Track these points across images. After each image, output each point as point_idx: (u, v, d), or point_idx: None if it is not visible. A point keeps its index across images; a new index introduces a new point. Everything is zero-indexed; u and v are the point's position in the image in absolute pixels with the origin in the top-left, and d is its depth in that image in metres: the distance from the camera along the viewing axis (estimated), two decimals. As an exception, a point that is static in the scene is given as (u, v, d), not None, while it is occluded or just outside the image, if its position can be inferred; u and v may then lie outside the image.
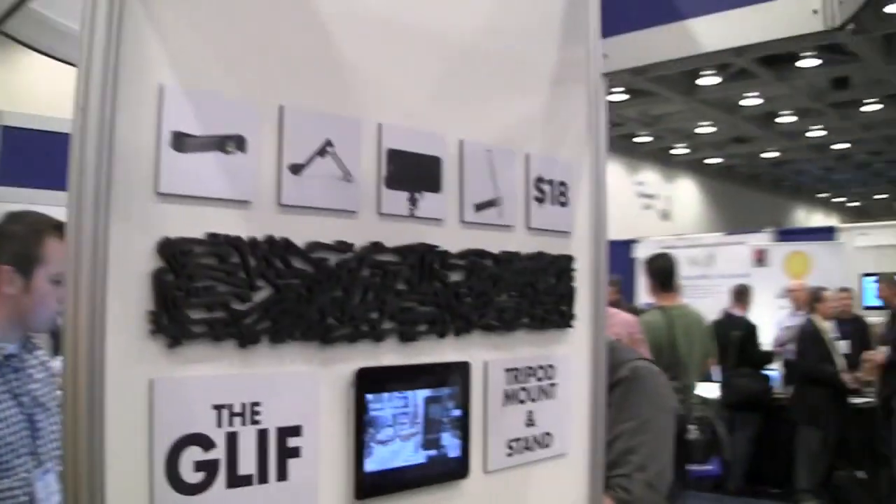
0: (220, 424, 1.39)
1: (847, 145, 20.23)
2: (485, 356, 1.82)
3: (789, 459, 7.03)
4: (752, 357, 7.41)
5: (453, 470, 1.73)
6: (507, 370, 1.87)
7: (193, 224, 1.39)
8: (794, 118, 17.33)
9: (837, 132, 18.59)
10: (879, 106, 15.92)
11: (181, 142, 1.36)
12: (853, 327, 7.45)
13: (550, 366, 1.98)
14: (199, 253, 1.38)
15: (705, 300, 8.43)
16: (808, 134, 18.85)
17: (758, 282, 8.51)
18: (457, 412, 1.73)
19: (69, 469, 1.24)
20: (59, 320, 2.24)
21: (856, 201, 30.99)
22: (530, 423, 1.92)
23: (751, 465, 7.55)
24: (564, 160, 2.05)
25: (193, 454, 1.36)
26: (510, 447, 1.86)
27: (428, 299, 1.70)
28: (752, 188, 25.42)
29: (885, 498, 6.54)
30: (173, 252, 1.35)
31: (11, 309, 2.18)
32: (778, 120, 17.61)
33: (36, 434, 2.16)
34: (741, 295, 7.89)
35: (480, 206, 1.85)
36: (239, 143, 1.40)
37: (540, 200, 1.98)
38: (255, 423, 1.42)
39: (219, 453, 1.38)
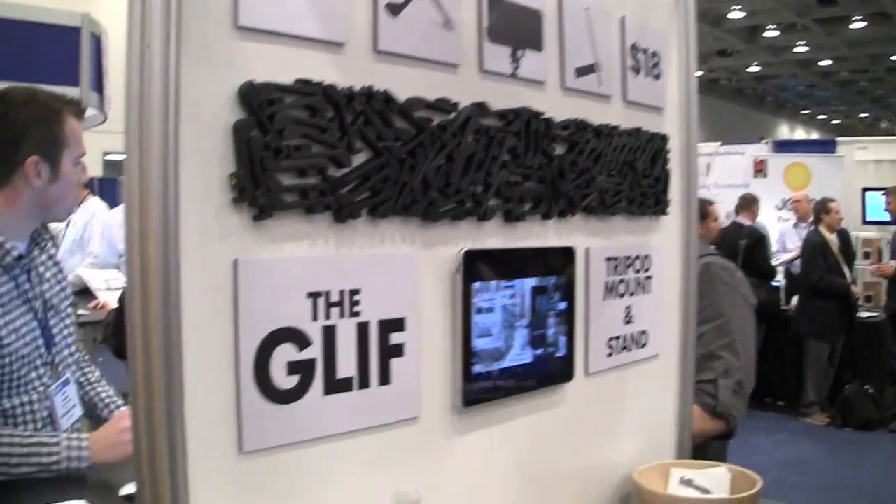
0: (315, 316, 1.11)
1: (831, 62, 19.81)
2: (586, 242, 1.56)
3: (796, 371, 6.75)
4: (760, 266, 7.00)
5: (559, 371, 1.49)
6: (608, 259, 1.61)
7: (281, 67, 1.08)
8: (778, 33, 16.88)
9: (822, 49, 18.14)
10: (865, 24, 15.47)
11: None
12: (839, 239, 7.20)
13: (646, 256, 1.73)
14: (289, 104, 1.08)
15: (704, 210, 8.06)
16: (794, 49, 18.42)
17: (757, 192, 8.15)
18: (562, 305, 1.44)
19: (139, 372, 0.95)
20: (76, 208, 1.96)
21: (838, 119, 30.49)
22: (628, 319, 1.66)
23: (758, 376, 7.26)
24: (655, 28, 1.74)
25: (286, 353, 1.09)
26: (610, 346, 1.61)
27: (533, 174, 1.43)
28: (735, 103, 24.88)
29: (891, 412, 6.36)
30: (259, 100, 1.04)
31: (34, 201, 1.81)
32: (763, 34, 17.15)
33: (51, 342, 1.83)
34: (749, 204, 7.52)
35: (581, 71, 1.55)
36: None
37: (636, 70, 1.68)
38: (354, 314, 1.16)
39: (315, 352, 1.12)
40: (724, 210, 7.64)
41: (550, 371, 1.45)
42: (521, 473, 1.43)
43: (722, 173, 9.11)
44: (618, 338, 1.64)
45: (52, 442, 1.70)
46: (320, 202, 1.12)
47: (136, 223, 0.96)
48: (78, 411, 1.93)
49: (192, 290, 0.99)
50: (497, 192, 1.36)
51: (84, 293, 4.18)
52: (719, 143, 9.69)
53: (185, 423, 0.98)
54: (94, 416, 2.02)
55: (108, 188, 6.79)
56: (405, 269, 1.23)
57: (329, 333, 1.13)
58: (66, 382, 1.88)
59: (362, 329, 1.17)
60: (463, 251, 1.28)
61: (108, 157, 9.74)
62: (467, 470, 1.33)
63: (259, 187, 1.05)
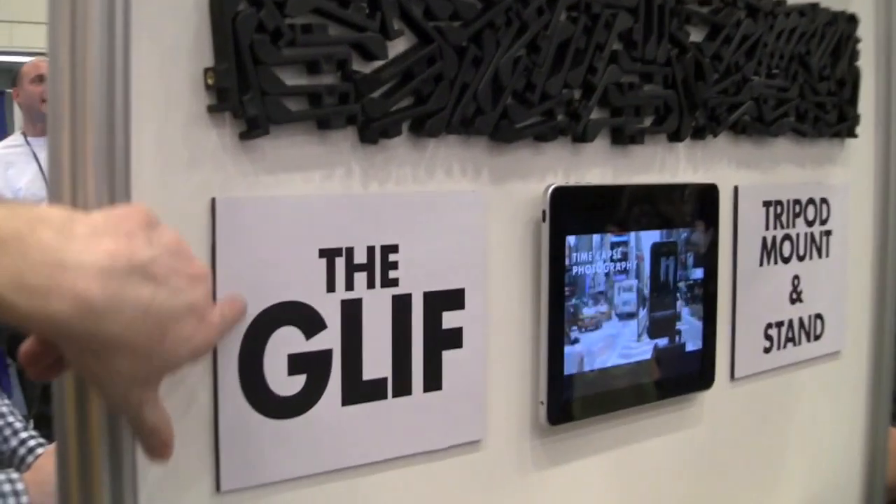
0: (332, 286, 1.11)
1: None
2: (734, 178, 1.57)
3: None
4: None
5: (692, 375, 1.49)
6: (767, 203, 1.61)
7: None
8: None
9: None
10: None
11: None
12: None
13: (824, 200, 1.73)
14: None
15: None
16: None
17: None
18: (697, 273, 1.45)
19: (66, 380, 0.93)
20: None
21: None
22: (796, 297, 1.66)
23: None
24: None
25: (288, 342, 1.08)
26: (768, 338, 1.63)
27: (656, 72, 1.43)
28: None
29: None
30: (249, -47, 1.02)
31: None
32: None
33: None
34: None
35: (728, -88, 1.52)
36: None
37: None
38: (389, 283, 1.16)
39: (331, 339, 1.11)
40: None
41: (679, 373, 1.45)
42: (632, 527, 1.41)
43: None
44: (780, 324, 1.64)
45: None
46: (340, 112, 1.10)
47: (63, 145, 0.95)
48: None
49: None
50: (602, 99, 1.35)
51: None
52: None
53: (135, 452, 0.97)
54: None
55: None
56: (466, 214, 1.22)
57: (352, 312, 1.12)
58: None
59: (401, 305, 1.16)
60: (551, 188, 1.27)
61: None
62: (553, 520, 1.32)
63: (249, 89, 1.03)
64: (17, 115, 6.50)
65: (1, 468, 1.89)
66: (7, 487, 1.71)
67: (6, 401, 2.04)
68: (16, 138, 4.73)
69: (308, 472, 1.11)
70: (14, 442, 1.95)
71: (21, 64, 4.75)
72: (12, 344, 2.97)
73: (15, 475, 1.74)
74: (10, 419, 1.98)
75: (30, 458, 1.92)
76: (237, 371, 1.05)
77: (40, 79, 4.53)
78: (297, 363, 1.09)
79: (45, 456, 1.91)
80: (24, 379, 3.55)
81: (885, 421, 1.81)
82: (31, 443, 1.95)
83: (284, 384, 1.08)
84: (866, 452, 1.80)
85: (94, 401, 0.95)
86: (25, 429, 1.98)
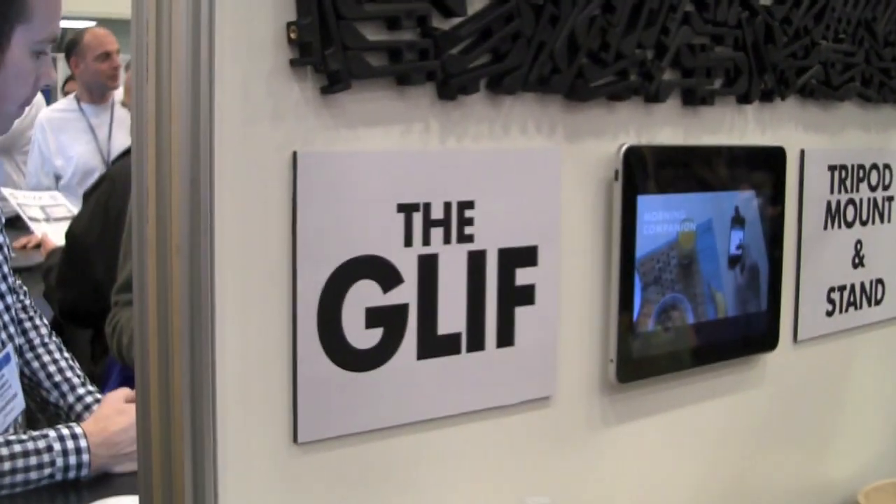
0: (409, 241, 1.11)
1: None
2: (801, 141, 1.55)
3: None
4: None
5: (757, 336, 1.47)
6: (832, 167, 1.60)
7: None
8: None
9: None
10: None
11: None
12: None
13: (887, 166, 1.71)
14: None
15: None
16: None
17: None
18: (764, 235, 1.46)
19: (148, 326, 0.97)
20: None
21: None
22: (858, 261, 1.64)
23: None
24: None
25: (366, 295, 1.08)
26: (830, 301, 1.61)
27: (727, 34, 1.41)
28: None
29: None
30: None
31: None
32: None
33: None
34: None
35: None
36: None
37: None
38: (465, 239, 1.15)
39: (407, 294, 1.11)
40: None
41: (745, 335, 1.44)
42: (695, 483, 1.42)
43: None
44: (843, 288, 1.62)
45: (43, 447, 1.69)
46: (420, 68, 1.09)
47: (148, 94, 0.95)
48: (18, 403, 1.89)
49: (230, 199, 0.98)
50: (675, 60, 1.33)
51: (10, 226, 4.10)
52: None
53: (216, 401, 0.97)
54: (51, 411, 1.98)
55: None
56: (541, 172, 1.21)
57: (428, 267, 1.12)
58: (5, 360, 1.85)
59: (476, 261, 1.15)
60: (625, 148, 1.26)
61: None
62: (621, 475, 1.33)
63: (331, 44, 1.02)
64: (60, 80, 6.41)
65: (60, 423, 1.86)
66: (70, 444, 1.69)
67: (67, 354, 2.00)
68: (69, 103, 4.61)
69: (383, 424, 1.11)
70: (71, 398, 1.92)
71: (64, 29, 4.60)
72: (62, 307, 2.95)
73: (78, 430, 1.72)
74: (69, 374, 1.95)
75: (86, 415, 1.88)
76: (316, 324, 1.05)
77: (106, 55, 4.42)
78: (374, 317, 1.08)
79: (104, 406, 1.86)
80: (69, 338, 3.52)
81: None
82: (89, 399, 1.92)
83: (362, 337, 1.08)
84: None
85: (175, 349, 0.95)
86: (84, 384, 1.94)
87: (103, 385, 2.49)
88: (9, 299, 1.83)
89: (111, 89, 4.42)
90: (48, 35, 1.66)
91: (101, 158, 4.40)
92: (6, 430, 1.75)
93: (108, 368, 2.61)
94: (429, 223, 1.11)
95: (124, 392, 1.82)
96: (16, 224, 3.98)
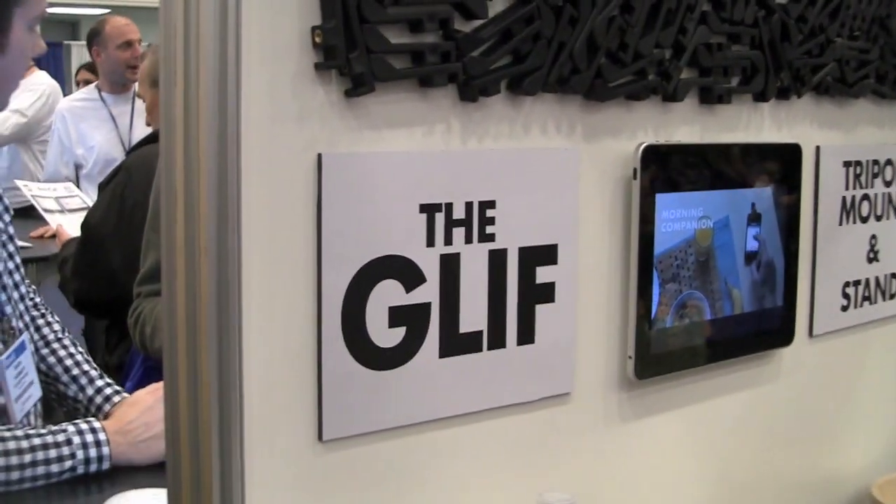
0: (432, 240, 1.12)
1: None
2: (817, 137, 1.56)
3: None
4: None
5: (773, 331, 1.48)
6: (847, 164, 1.61)
7: None
8: None
9: None
10: None
11: None
12: None
13: None
14: None
15: None
16: None
17: None
18: (780, 231, 1.46)
19: (177, 322, 0.97)
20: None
21: None
22: (873, 256, 1.65)
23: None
24: None
25: (389, 295, 1.09)
26: (846, 296, 1.62)
27: (744, 33, 1.42)
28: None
29: None
30: None
31: None
32: None
33: None
34: None
35: None
36: None
37: None
38: (486, 238, 1.16)
39: (430, 293, 1.12)
40: None
41: (761, 330, 1.45)
42: (712, 478, 1.43)
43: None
44: (857, 283, 1.63)
45: (62, 440, 1.71)
46: (442, 70, 1.10)
47: (176, 97, 0.95)
48: (36, 391, 1.90)
49: (256, 199, 0.99)
50: (692, 59, 1.34)
51: (26, 215, 4.10)
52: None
53: (243, 400, 0.98)
54: (69, 405, 1.98)
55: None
56: (560, 171, 1.22)
57: (450, 266, 1.13)
58: (20, 348, 1.86)
59: (497, 260, 1.17)
60: (642, 147, 1.27)
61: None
62: (639, 470, 1.34)
63: (355, 47, 1.03)
64: (75, 68, 6.37)
65: (79, 416, 1.86)
66: (90, 438, 1.70)
67: (82, 349, 2.01)
68: (89, 92, 4.61)
69: (406, 422, 1.12)
70: (90, 390, 1.92)
71: (79, 17, 4.58)
72: (78, 297, 2.95)
73: (97, 424, 1.73)
74: (86, 367, 1.95)
75: (107, 407, 1.89)
76: (340, 323, 1.06)
77: (128, 44, 4.41)
78: (397, 315, 1.09)
79: (125, 404, 1.87)
80: (88, 328, 3.53)
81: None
82: (108, 391, 1.92)
83: (385, 336, 1.09)
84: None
85: (203, 348, 0.95)
86: (101, 376, 1.95)
87: (125, 375, 2.51)
88: (23, 289, 1.85)
89: (132, 80, 4.42)
90: (40, 11, 1.74)
91: (122, 148, 4.40)
92: (26, 419, 1.77)
93: (130, 358, 2.62)
94: (451, 223, 1.12)
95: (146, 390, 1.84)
96: (32, 213, 4.00)
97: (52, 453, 1.65)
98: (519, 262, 1.18)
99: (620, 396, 1.31)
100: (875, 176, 1.64)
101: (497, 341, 1.17)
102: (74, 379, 1.93)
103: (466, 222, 1.14)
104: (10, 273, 1.81)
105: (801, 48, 1.48)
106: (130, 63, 4.37)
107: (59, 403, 1.97)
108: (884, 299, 1.68)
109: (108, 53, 4.42)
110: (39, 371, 1.87)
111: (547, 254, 1.21)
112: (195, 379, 0.97)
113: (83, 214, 3.18)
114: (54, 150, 4.61)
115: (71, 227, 3.69)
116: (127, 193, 2.65)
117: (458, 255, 1.13)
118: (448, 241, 1.12)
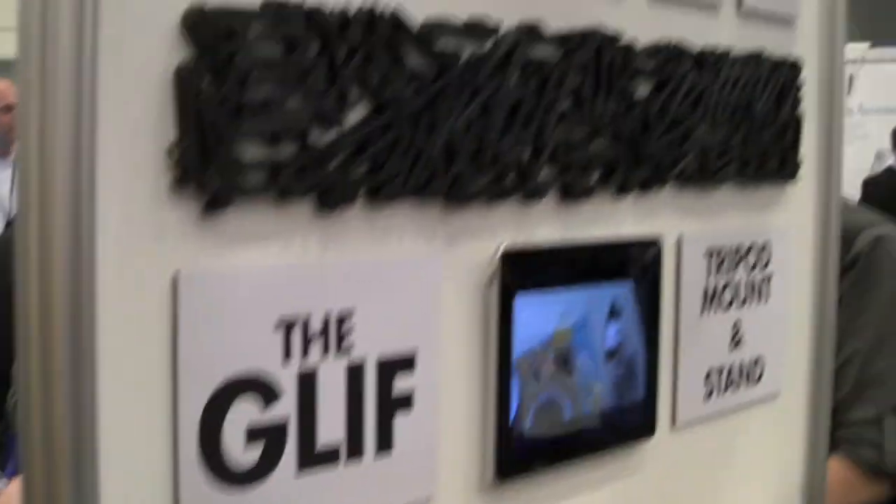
0: (289, 355, 1.15)
1: None
2: (678, 227, 1.63)
3: None
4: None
5: (634, 424, 1.55)
6: (709, 253, 1.67)
7: (239, -19, 1.08)
8: None
9: None
10: None
11: None
12: None
13: (764, 245, 1.79)
14: (255, 37, 1.09)
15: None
16: None
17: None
18: (640, 324, 1.51)
19: (33, 439, 0.99)
20: None
21: None
22: (737, 341, 1.72)
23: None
24: None
25: (247, 412, 1.12)
26: (708, 383, 1.69)
27: (604, 128, 1.47)
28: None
29: None
30: (212, 33, 1.06)
31: None
32: None
33: None
34: None
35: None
36: None
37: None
38: (343, 351, 1.19)
39: (287, 408, 1.15)
40: (873, 148, 7.60)
41: (623, 424, 1.50)
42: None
43: (871, 91, 8.71)
44: (720, 370, 1.69)
45: None
46: (298, 183, 1.14)
47: (32, 220, 0.98)
48: None
49: (112, 320, 1.01)
50: (553, 156, 1.39)
51: None
52: (868, 43, 9.01)
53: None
54: None
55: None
56: (419, 278, 1.26)
57: (307, 380, 1.16)
58: None
59: (354, 373, 1.20)
60: (500, 251, 1.32)
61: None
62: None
63: (211, 164, 1.06)
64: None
65: None
66: None
67: None
68: None
69: (264, 540, 1.14)
70: None
71: None
72: None
73: None
74: None
75: None
76: (197, 442, 1.08)
77: (8, 108, 4.38)
78: (255, 432, 1.12)
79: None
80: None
81: (822, 459, 1.87)
82: None
83: (243, 454, 1.11)
84: (805, 488, 1.86)
85: (62, 477, 0.99)
86: None
87: (7, 454, 2.54)
88: None
89: (14, 142, 4.39)
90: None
91: (1, 214, 4.37)
92: None
93: (9, 442, 2.63)
94: (308, 337, 1.15)
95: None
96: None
97: None
98: (378, 373, 1.22)
99: (483, 498, 1.34)
100: (738, 262, 1.71)
101: (355, 451, 1.20)
102: None
103: (324, 334, 1.16)
104: None
105: (662, 140, 1.55)
106: (12, 126, 4.34)
107: None
108: (748, 383, 1.74)
109: None
110: None
111: (406, 362, 1.24)
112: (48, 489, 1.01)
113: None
114: None
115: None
116: None
117: (315, 368, 1.16)
118: (305, 354, 1.15)
